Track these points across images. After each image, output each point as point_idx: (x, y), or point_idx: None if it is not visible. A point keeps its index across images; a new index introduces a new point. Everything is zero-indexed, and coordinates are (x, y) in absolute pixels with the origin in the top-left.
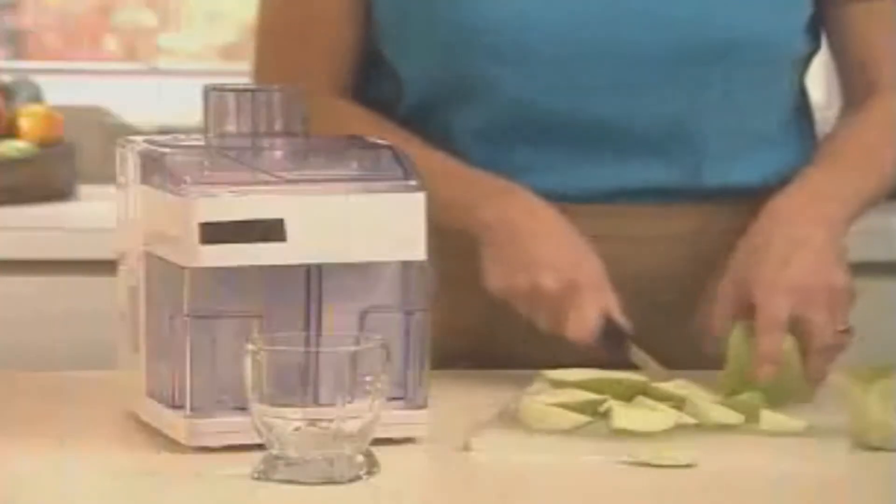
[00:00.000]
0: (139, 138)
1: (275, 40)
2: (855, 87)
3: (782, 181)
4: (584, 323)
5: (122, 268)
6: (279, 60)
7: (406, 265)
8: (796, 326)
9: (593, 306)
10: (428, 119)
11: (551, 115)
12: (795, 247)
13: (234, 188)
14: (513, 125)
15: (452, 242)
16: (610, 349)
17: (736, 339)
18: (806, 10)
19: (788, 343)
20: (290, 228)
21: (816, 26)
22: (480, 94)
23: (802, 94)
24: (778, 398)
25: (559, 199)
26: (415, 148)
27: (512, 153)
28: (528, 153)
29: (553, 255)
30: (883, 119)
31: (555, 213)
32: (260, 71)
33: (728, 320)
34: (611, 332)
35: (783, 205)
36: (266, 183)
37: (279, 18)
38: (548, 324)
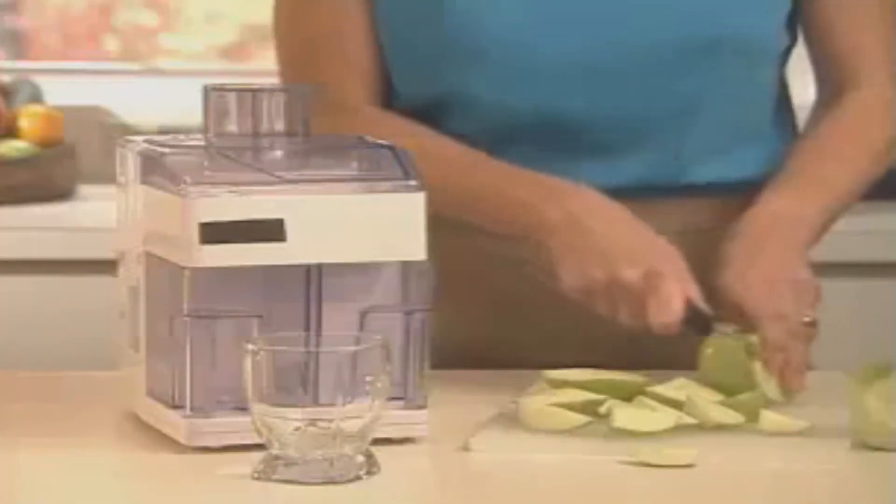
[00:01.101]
0: (139, 138)
1: (300, 62)
2: (829, 81)
3: (768, 175)
4: (668, 309)
5: (122, 268)
6: (306, 72)
7: (406, 265)
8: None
9: (676, 293)
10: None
11: (537, 118)
12: (758, 256)
13: (234, 188)
14: (496, 130)
15: (453, 242)
16: (698, 332)
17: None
18: (786, 4)
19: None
20: (290, 228)
21: (793, 19)
22: (468, 101)
23: (783, 86)
24: (737, 394)
25: None
26: (468, 154)
27: (497, 156)
28: (514, 157)
29: (627, 245)
30: (853, 122)
31: (618, 205)
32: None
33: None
34: (693, 318)
35: (749, 229)
36: (266, 183)
37: (298, 38)
38: (630, 315)
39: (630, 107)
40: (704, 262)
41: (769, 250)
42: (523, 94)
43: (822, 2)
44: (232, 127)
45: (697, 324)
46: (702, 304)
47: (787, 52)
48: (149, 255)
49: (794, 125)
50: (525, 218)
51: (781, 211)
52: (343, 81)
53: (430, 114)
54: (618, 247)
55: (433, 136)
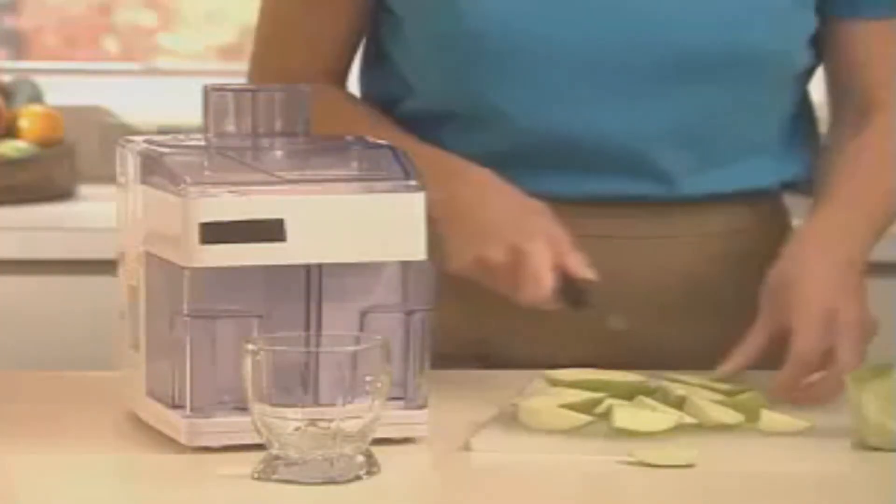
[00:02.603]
0: (139, 138)
1: (267, 27)
2: (849, 104)
3: (783, 186)
4: (536, 285)
5: (122, 267)
6: (269, 46)
7: (406, 265)
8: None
9: (543, 266)
10: (425, 130)
11: (544, 128)
12: (825, 285)
13: (234, 188)
14: (513, 149)
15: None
16: (573, 305)
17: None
18: (809, 25)
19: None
20: (290, 228)
21: (818, 41)
22: (483, 115)
23: (804, 102)
24: None
25: (560, 200)
26: (385, 129)
27: (509, 171)
28: (528, 170)
29: (495, 221)
30: (887, 142)
31: (503, 183)
32: (253, 59)
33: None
34: (567, 288)
35: (804, 249)
36: (266, 183)
37: (271, 20)
38: (508, 293)
39: (649, 121)
40: (719, 264)
41: (831, 282)
42: (533, 102)
43: (847, 23)
44: (231, 127)
45: (571, 294)
46: (579, 274)
47: (811, 71)
48: (149, 255)
49: (815, 137)
50: None
51: (834, 228)
52: (303, 65)
53: (438, 123)
54: (485, 225)
55: (357, 109)
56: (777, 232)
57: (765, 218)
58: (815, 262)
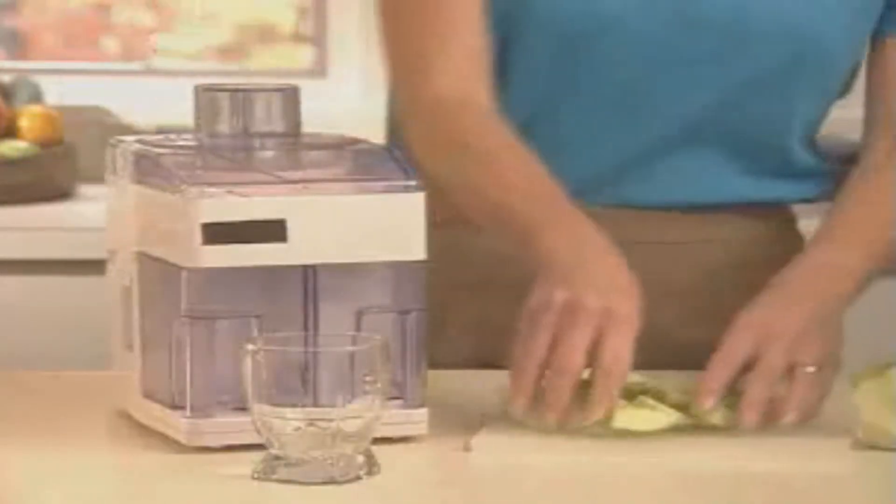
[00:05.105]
0: (131, 138)
1: (413, 48)
2: (872, 123)
3: (803, 199)
4: (621, 358)
5: (112, 266)
6: (421, 68)
7: (403, 265)
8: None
9: (627, 338)
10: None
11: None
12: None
13: (236, 189)
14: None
15: (453, 242)
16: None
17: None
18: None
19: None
20: (291, 229)
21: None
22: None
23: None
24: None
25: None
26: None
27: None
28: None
29: (601, 277)
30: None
31: (610, 243)
32: (400, 80)
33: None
34: None
35: (790, 278)
36: (267, 183)
37: (413, 25)
38: (578, 338)
39: (699, 120)
40: (745, 269)
41: (802, 300)
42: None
43: (885, 41)
44: (224, 127)
45: None
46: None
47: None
48: (143, 255)
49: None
50: (526, 242)
51: (826, 261)
52: (461, 71)
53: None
54: (592, 276)
55: (508, 145)
56: (791, 239)
57: (779, 225)
58: (797, 294)
